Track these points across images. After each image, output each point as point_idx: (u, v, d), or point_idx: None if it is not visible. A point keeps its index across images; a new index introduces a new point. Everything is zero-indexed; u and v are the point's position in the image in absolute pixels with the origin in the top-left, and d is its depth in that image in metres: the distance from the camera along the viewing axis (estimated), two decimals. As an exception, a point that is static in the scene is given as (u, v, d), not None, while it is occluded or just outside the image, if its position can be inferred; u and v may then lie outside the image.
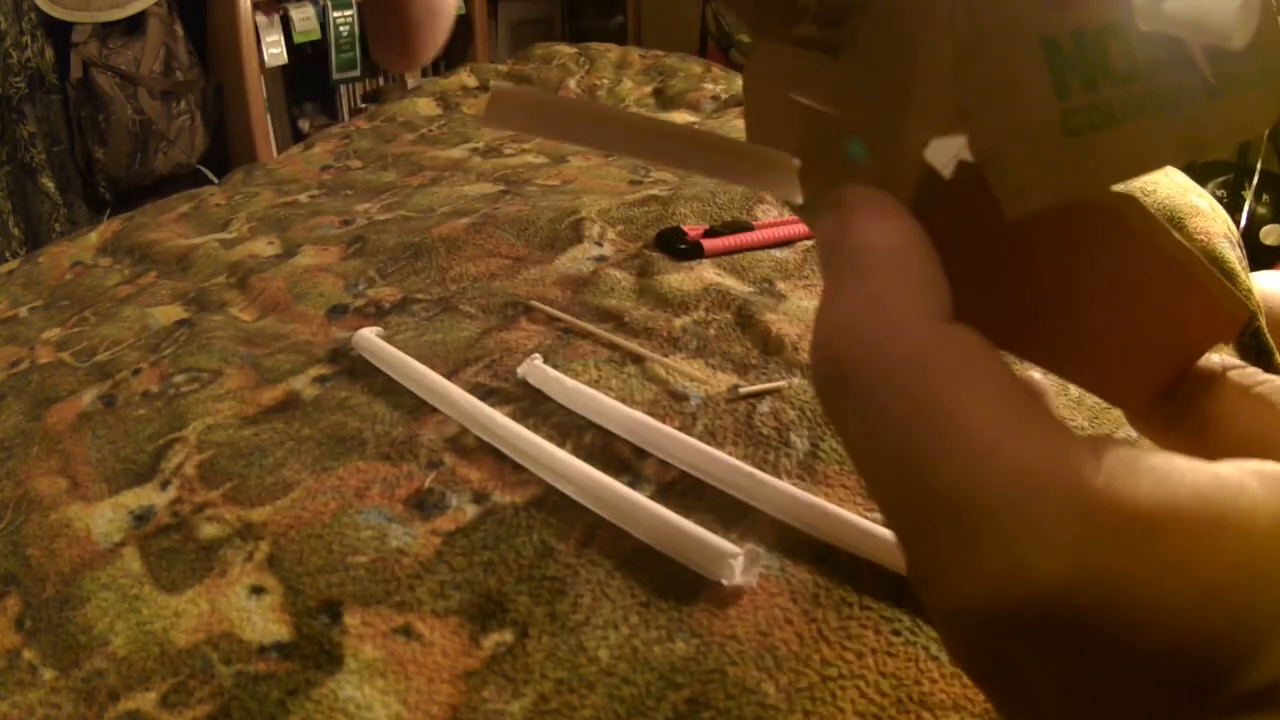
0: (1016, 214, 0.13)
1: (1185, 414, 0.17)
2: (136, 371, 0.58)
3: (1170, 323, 0.17)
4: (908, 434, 0.12)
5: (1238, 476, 0.12)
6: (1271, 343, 0.56)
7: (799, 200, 0.16)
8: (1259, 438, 0.16)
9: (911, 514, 0.12)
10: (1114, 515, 0.11)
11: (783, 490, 0.39)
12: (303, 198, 0.94)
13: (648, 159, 0.16)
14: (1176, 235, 0.17)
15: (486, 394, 0.49)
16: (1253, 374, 0.17)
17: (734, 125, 1.07)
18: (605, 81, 1.34)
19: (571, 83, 1.35)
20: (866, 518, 0.38)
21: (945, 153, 0.13)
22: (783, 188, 0.16)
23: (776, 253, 0.64)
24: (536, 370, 0.49)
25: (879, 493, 0.13)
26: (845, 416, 0.13)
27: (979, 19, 0.12)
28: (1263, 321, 0.56)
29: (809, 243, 0.65)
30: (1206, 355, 0.18)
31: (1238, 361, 0.17)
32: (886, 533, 0.36)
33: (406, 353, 0.52)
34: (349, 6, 2.11)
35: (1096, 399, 0.47)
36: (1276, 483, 0.12)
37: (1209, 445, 0.16)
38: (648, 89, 1.30)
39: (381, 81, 2.43)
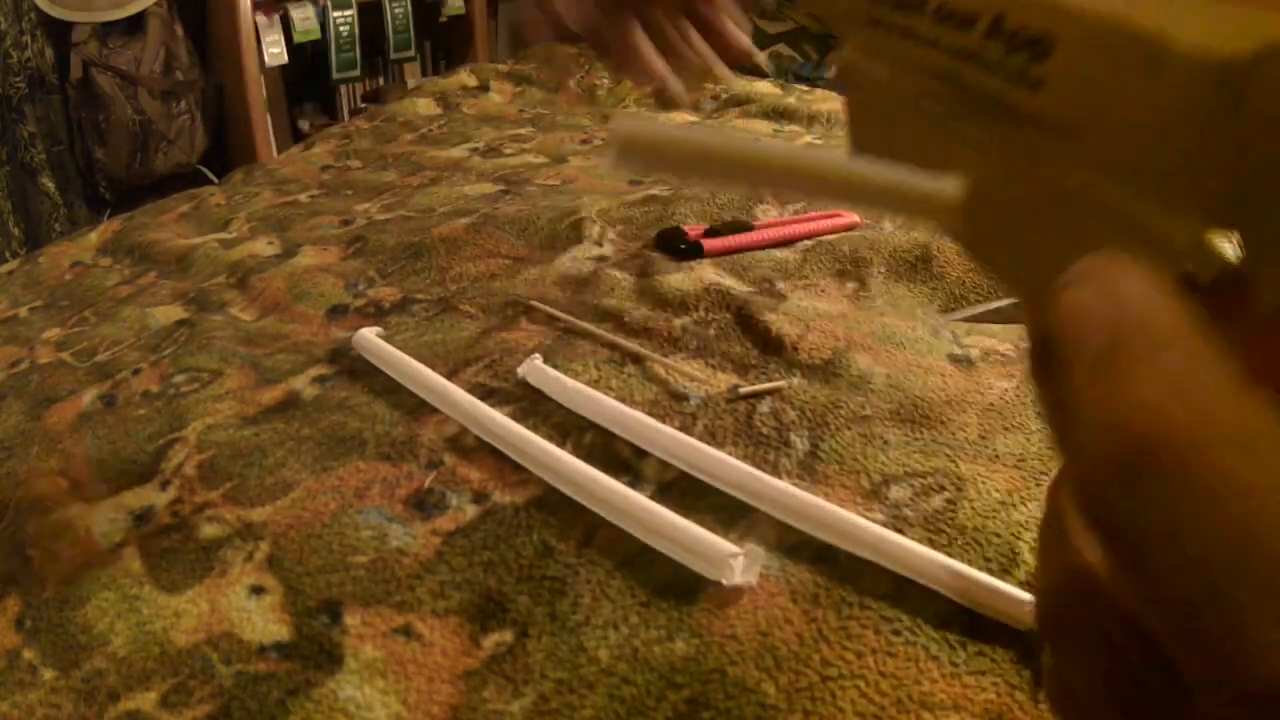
0: (1272, 311, 0.12)
1: None
2: (136, 371, 0.58)
3: None
4: (1245, 506, 0.11)
5: None
6: None
7: (955, 225, 0.15)
8: None
9: (1253, 582, 0.12)
10: None
11: (782, 490, 0.39)
12: (303, 198, 0.94)
13: (789, 192, 0.15)
14: None
15: (486, 394, 0.49)
16: None
17: (733, 125, 1.07)
18: (605, 81, 1.34)
19: (571, 83, 1.35)
20: (866, 518, 0.38)
21: (1208, 253, 0.12)
22: (934, 216, 0.15)
23: (776, 253, 0.64)
24: (536, 370, 0.49)
25: (1200, 568, 0.12)
26: (1159, 495, 0.12)
27: (1255, 112, 0.11)
28: None
29: (809, 243, 0.65)
30: None
31: None
32: (885, 532, 0.36)
33: (406, 353, 0.52)
34: (349, 6, 2.11)
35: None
36: None
37: None
38: (648, 89, 1.30)
39: (381, 81, 2.43)
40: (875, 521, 0.39)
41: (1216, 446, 0.12)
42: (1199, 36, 0.11)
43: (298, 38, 2.04)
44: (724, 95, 1.13)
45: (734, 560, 0.35)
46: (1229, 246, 0.12)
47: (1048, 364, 0.13)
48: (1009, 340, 0.52)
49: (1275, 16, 0.12)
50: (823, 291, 0.59)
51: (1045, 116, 0.14)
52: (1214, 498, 0.12)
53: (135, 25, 1.92)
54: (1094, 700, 0.17)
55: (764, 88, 1.16)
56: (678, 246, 0.64)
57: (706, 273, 0.61)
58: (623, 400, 0.47)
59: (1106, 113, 0.13)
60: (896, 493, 0.40)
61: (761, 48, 2.08)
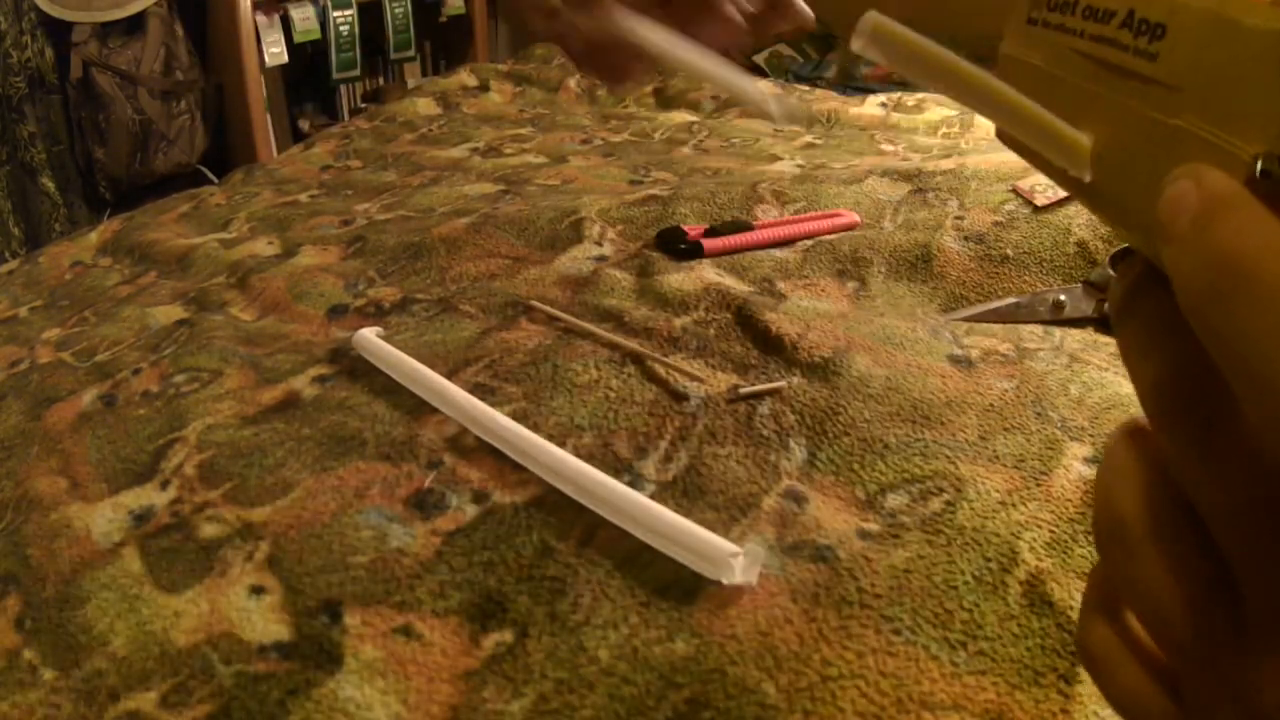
0: None
1: None
2: (136, 371, 0.58)
3: None
4: None
5: None
6: None
7: (1087, 178, 0.21)
8: None
9: None
10: None
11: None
12: (303, 198, 0.94)
13: (981, 112, 0.21)
14: None
15: (486, 394, 0.49)
16: None
17: (733, 125, 1.07)
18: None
19: (571, 83, 1.35)
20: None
21: (1268, 165, 0.17)
22: (1074, 164, 0.20)
23: (776, 252, 0.64)
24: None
25: (1273, 359, 0.16)
26: (1235, 310, 0.16)
27: None
28: None
29: (809, 242, 0.65)
30: None
31: None
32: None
33: (406, 353, 0.52)
34: (349, 6, 2.11)
35: (1098, 399, 0.47)
36: None
37: None
38: (648, 88, 1.30)
39: (381, 81, 2.43)
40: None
41: (1275, 265, 0.16)
42: (1264, 19, 0.17)
43: (298, 38, 2.04)
44: (724, 95, 1.13)
45: (734, 560, 0.35)
46: None
47: (1163, 246, 0.18)
48: (1009, 340, 0.52)
49: None
50: (823, 291, 0.59)
51: (1159, 78, 0.19)
52: (1275, 303, 0.16)
53: (135, 25, 1.92)
54: (1165, 615, 0.19)
55: (764, 88, 1.16)
56: (678, 246, 0.64)
57: (706, 273, 0.61)
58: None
59: (1199, 74, 0.18)
60: (893, 500, 0.40)
61: (761, 48, 2.08)
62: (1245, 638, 0.18)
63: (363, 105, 2.31)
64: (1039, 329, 0.55)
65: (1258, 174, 0.17)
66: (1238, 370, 0.17)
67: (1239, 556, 0.18)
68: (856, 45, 0.20)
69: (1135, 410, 0.19)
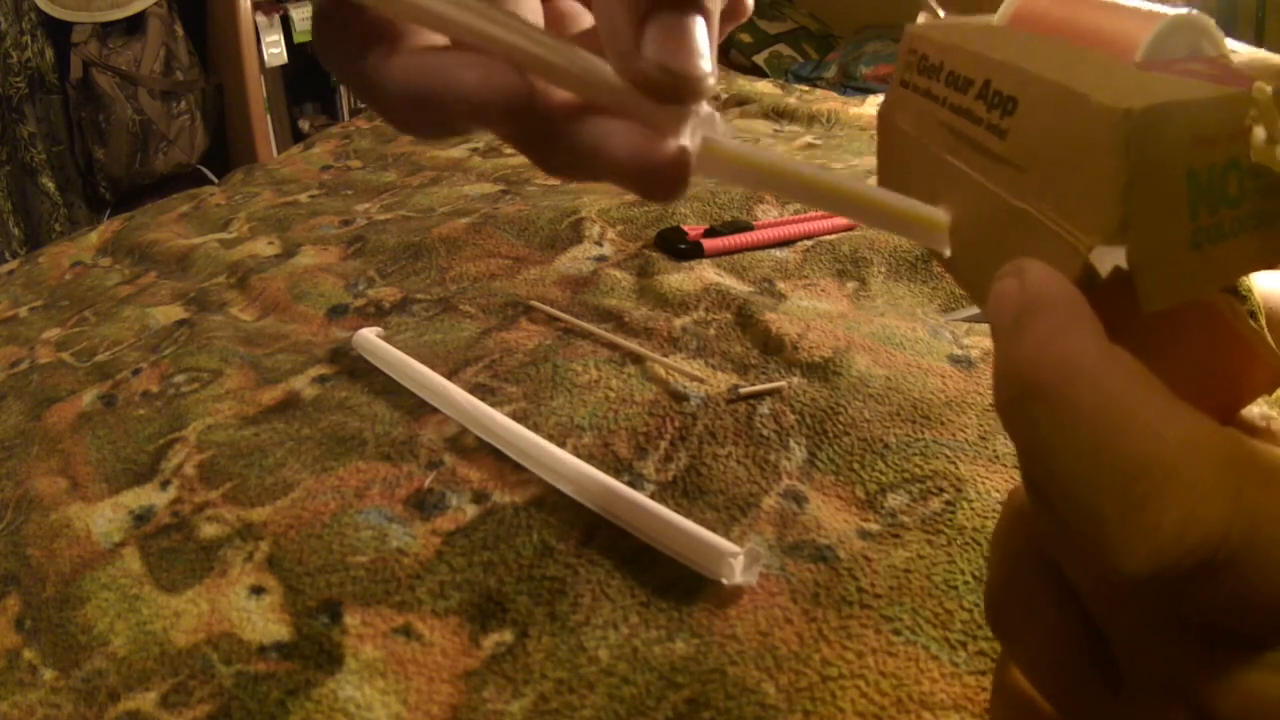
0: (1150, 309, 0.16)
1: None
2: (136, 371, 0.58)
3: (1216, 374, 0.20)
4: (1104, 420, 0.15)
5: None
6: None
7: (946, 253, 0.20)
8: None
9: (1105, 485, 0.15)
10: (1261, 469, 0.15)
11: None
12: (303, 198, 0.94)
13: (823, 209, 0.20)
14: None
15: (486, 394, 0.49)
16: None
17: (733, 125, 1.07)
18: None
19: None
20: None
21: (1106, 258, 0.16)
22: (933, 241, 0.20)
23: (776, 252, 0.64)
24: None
25: (1072, 478, 0.15)
26: (1037, 420, 0.16)
27: (1147, 152, 0.16)
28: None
29: (809, 242, 0.65)
30: (1248, 408, 0.20)
31: (1276, 414, 0.20)
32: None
33: (406, 353, 0.52)
34: (349, 6, 2.10)
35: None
36: None
37: None
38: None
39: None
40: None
41: (1075, 379, 0.15)
42: (1113, 95, 0.16)
43: (298, 38, 2.04)
44: (724, 95, 1.13)
45: (734, 560, 0.35)
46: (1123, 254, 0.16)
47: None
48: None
49: (1178, 82, 0.17)
50: (823, 291, 0.59)
51: (1007, 157, 0.18)
52: (1073, 418, 0.15)
53: (135, 25, 1.92)
54: (1035, 689, 0.20)
55: (764, 88, 1.16)
56: (678, 246, 0.64)
57: (706, 273, 0.61)
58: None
59: (1044, 153, 0.17)
60: (894, 500, 0.40)
61: (761, 48, 2.09)
62: (1124, 699, 0.18)
63: (363, 105, 2.31)
64: (1039, 329, 0.54)
65: (1099, 270, 0.16)
66: (1039, 480, 0.16)
67: (1104, 625, 0.18)
68: (690, 171, 0.19)
69: None
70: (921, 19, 0.23)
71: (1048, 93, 0.17)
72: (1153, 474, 0.15)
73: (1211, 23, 0.19)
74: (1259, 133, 0.16)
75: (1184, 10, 0.18)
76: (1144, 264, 0.16)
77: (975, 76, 0.19)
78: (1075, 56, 0.18)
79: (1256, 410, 0.20)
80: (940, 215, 0.20)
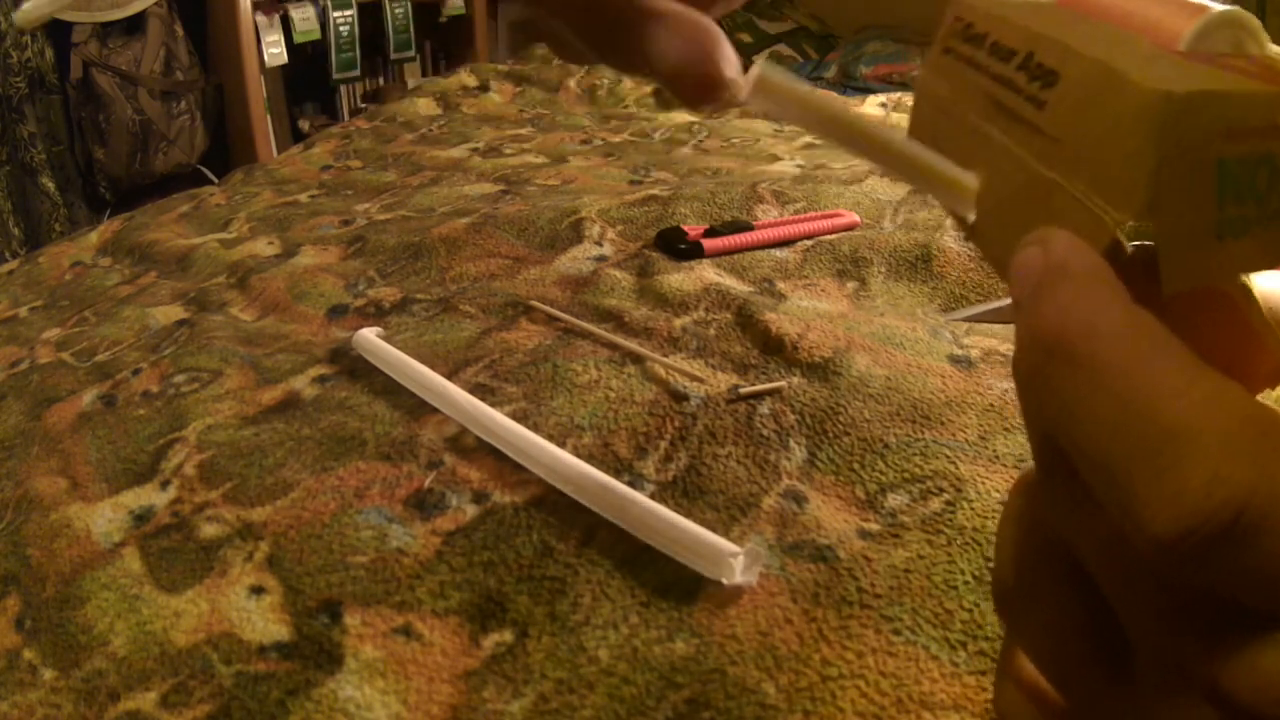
0: (1170, 291, 0.17)
1: None
2: (136, 371, 0.58)
3: (1224, 362, 0.19)
4: (1129, 382, 0.15)
5: None
6: None
7: (970, 218, 0.20)
8: None
9: (1132, 447, 0.15)
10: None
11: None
12: (303, 198, 0.94)
13: (865, 158, 0.21)
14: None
15: (486, 394, 0.49)
16: None
17: (733, 125, 1.07)
18: (605, 81, 1.34)
19: (571, 83, 1.35)
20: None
21: (1132, 236, 0.17)
22: (959, 204, 0.20)
23: (776, 252, 0.64)
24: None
25: (1097, 441, 0.15)
26: (1060, 385, 0.16)
27: (1182, 137, 0.16)
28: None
29: (809, 242, 0.65)
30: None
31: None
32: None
33: (406, 353, 0.52)
34: (349, 7, 2.11)
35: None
36: None
37: None
38: (648, 89, 1.30)
39: (381, 81, 2.43)
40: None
41: (1100, 341, 0.16)
42: (1154, 78, 0.16)
43: (298, 38, 2.05)
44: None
45: (734, 560, 0.35)
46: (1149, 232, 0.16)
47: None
48: (1009, 340, 0.52)
49: (1218, 74, 0.17)
50: (823, 291, 0.59)
51: (1043, 127, 0.18)
52: (1098, 380, 0.15)
53: (135, 25, 1.92)
54: (1043, 672, 0.19)
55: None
56: (678, 246, 0.64)
57: (706, 273, 0.61)
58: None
59: (1080, 128, 0.18)
60: (894, 500, 0.40)
61: (761, 48, 2.09)
62: (1134, 684, 0.18)
63: (363, 105, 2.31)
64: (1039, 329, 0.54)
65: (1126, 245, 0.16)
66: (1068, 445, 0.16)
67: (1118, 605, 0.18)
68: (743, 97, 0.20)
69: None
70: None
71: (1089, 69, 0.18)
72: (1178, 435, 0.15)
73: (1257, 22, 0.19)
74: None
75: (1230, 7, 0.19)
76: (1168, 246, 0.17)
77: (1019, 48, 0.20)
78: (1119, 39, 0.18)
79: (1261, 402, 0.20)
80: (969, 179, 0.20)
